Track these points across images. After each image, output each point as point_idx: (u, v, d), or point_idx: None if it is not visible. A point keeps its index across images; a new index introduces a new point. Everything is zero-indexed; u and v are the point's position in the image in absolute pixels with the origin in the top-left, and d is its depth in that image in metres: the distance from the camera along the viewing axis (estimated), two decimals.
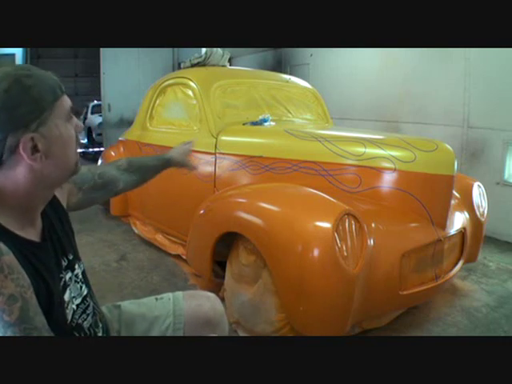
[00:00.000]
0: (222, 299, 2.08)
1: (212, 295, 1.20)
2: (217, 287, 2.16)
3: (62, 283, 0.86)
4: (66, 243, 0.92)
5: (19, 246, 0.75)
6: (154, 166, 1.31)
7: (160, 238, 3.02)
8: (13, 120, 0.72)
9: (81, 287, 0.93)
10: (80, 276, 0.94)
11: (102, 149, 7.09)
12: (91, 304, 0.96)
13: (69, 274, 0.90)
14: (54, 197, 0.93)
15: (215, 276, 2.17)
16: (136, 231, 3.28)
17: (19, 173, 0.75)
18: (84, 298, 0.93)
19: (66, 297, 0.86)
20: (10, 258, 0.70)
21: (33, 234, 0.81)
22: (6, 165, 0.74)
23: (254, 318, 1.84)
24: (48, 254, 0.83)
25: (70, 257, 0.92)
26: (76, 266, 0.93)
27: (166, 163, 1.37)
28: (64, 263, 0.89)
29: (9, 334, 0.67)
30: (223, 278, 2.08)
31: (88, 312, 0.94)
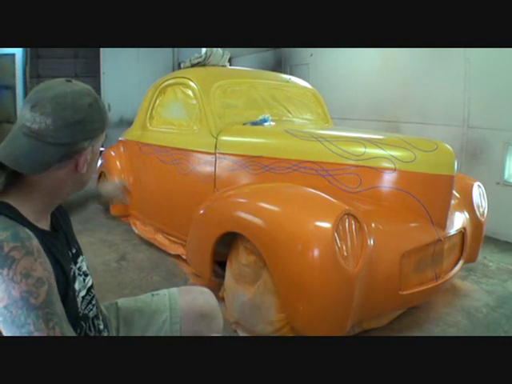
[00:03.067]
0: (222, 299, 2.08)
1: (206, 290, 1.23)
2: (217, 287, 2.16)
3: (72, 273, 0.89)
4: (69, 236, 0.97)
5: (40, 235, 0.79)
6: (76, 202, 1.25)
7: (160, 238, 3.02)
8: (87, 132, 0.83)
9: (84, 279, 0.96)
10: (83, 269, 0.98)
11: (101, 148, 7.09)
12: (95, 295, 1.00)
13: (73, 267, 0.93)
14: None
15: (215, 276, 2.17)
16: (136, 231, 3.27)
17: (63, 175, 0.84)
18: (89, 290, 0.97)
19: (76, 286, 0.90)
20: (37, 242, 0.75)
21: (46, 226, 0.87)
22: (59, 165, 0.81)
23: (254, 318, 1.84)
24: (62, 243, 0.89)
25: (74, 250, 0.96)
26: (79, 260, 0.97)
27: (91, 199, 1.32)
28: (70, 256, 0.93)
29: (31, 318, 0.69)
30: (223, 277, 2.08)
31: (93, 303, 0.98)
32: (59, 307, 0.74)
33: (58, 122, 0.77)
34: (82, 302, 0.92)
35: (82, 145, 0.82)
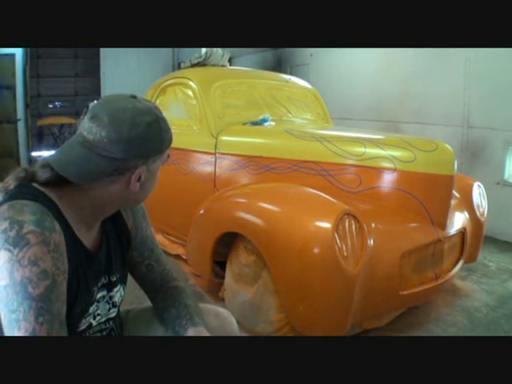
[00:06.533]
0: (222, 299, 2.08)
1: (223, 311, 1.12)
2: (217, 287, 2.15)
3: (93, 296, 0.87)
4: (114, 263, 0.94)
5: (72, 241, 0.79)
6: (179, 316, 0.99)
7: (160, 238, 3.01)
8: (142, 150, 0.80)
9: (109, 309, 0.94)
10: (115, 299, 0.95)
11: None
12: (111, 327, 0.97)
13: (103, 293, 0.91)
14: (121, 217, 0.98)
15: (215, 276, 2.17)
16: None
17: (113, 190, 0.83)
18: (107, 320, 0.94)
19: (91, 310, 0.87)
20: (59, 238, 0.74)
21: (87, 238, 0.86)
22: (110, 179, 0.81)
23: (254, 318, 1.84)
24: (92, 264, 0.86)
25: (114, 278, 0.94)
26: (115, 289, 0.95)
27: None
28: (104, 281, 0.91)
29: (23, 306, 0.68)
30: (223, 277, 2.08)
31: (104, 334, 0.94)
32: (57, 308, 0.72)
33: (112, 135, 0.77)
34: (93, 327, 0.89)
35: (135, 163, 0.80)
